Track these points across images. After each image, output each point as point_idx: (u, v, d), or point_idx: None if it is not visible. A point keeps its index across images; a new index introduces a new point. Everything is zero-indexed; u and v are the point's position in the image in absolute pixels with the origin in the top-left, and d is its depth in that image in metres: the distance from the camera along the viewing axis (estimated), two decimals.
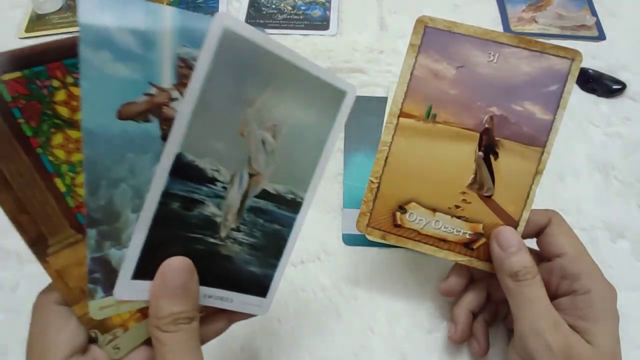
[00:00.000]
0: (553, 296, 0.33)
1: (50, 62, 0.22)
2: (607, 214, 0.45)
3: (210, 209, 0.27)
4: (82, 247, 0.25)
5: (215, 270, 0.29)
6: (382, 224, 0.36)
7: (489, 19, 0.60)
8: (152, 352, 0.27)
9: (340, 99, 0.30)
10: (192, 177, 0.26)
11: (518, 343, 0.32)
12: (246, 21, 0.60)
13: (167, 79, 0.24)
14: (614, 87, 0.53)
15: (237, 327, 0.39)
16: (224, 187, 0.27)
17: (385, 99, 0.52)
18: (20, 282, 0.43)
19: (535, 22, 0.60)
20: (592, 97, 0.53)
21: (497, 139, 0.35)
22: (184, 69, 0.24)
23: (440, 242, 0.36)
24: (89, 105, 0.23)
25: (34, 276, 0.42)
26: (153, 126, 0.25)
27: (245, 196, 0.29)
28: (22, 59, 0.22)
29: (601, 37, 0.58)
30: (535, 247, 0.37)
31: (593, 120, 0.51)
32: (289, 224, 0.31)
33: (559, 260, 0.33)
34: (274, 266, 0.31)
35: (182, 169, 0.25)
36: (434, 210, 0.35)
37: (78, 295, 0.26)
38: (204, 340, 0.30)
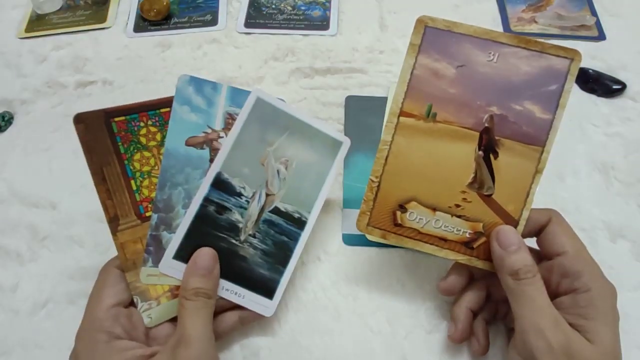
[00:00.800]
0: (553, 295, 0.33)
1: (140, 112, 0.37)
2: (607, 214, 0.45)
3: (235, 216, 0.38)
4: (140, 230, 0.36)
5: (233, 267, 0.37)
6: (382, 223, 0.36)
7: (489, 19, 0.60)
8: (174, 329, 0.35)
9: (338, 146, 0.40)
10: (226, 190, 0.37)
11: (519, 342, 0.32)
12: (246, 21, 0.60)
13: (218, 125, 0.38)
14: (614, 87, 0.53)
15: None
16: (247, 201, 0.38)
17: (385, 99, 0.52)
18: (20, 282, 0.43)
19: (535, 22, 0.60)
20: (592, 97, 0.53)
21: (497, 138, 0.35)
22: (229, 119, 0.38)
23: (441, 241, 0.36)
24: (170, 135, 0.37)
25: (34, 276, 0.43)
26: (205, 152, 0.38)
27: (262, 210, 0.38)
28: (127, 110, 0.37)
29: (601, 37, 0.58)
30: (535, 246, 0.37)
31: (593, 120, 0.51)
32: (295, 238, 0.39)
33: (559, 259, 0.33)
34: (280, 272, 0.38)
35: (220, 183, 0.37)
36: (434, 209, 0.35)
37: (131, 266, 0.36)
38: (218, 334, 0.36)
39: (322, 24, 0.60)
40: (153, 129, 0.37)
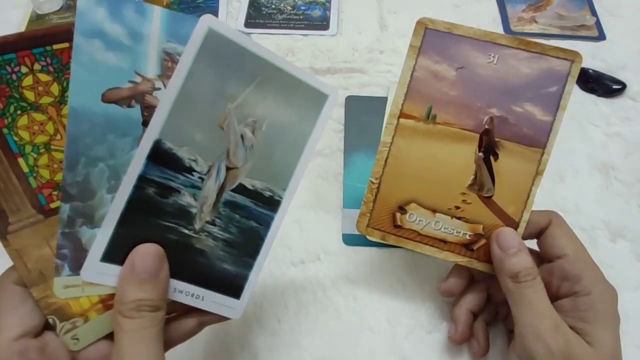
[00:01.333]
0: (554, 297, 0.33)
1: (20, 51, 0.24)
2: (607, 214, 0.45)
3: (185, 198, 0.28)
4: (43, 228, 0.26)
5: (188, 263, 0.29)
6: (382, 225, 0.36)
7: (489, 19, 0.60)
8: (112, 348, 0.26)
9: (322, 101, 0.31)
10: (169, 164, 0.27)
11: (518, 344, 0.32)
12: (246, 21, 0.60)
13: (152, 70, 0.26)
14: (614, 87, 0.53)
15: (236, 327, 0.40)
16: (201, 178, 0.28)
17: (385, 99, 0.52)
18: None
19: (535, 22, 0.60)
20: (592, 97, 0.53)
21: (497, 140, 0.35)
22: (168, 62, 0.26)
23: (440, 242, 0.36)
24: (76, 87, 0.25)
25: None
26: (135, 112, 0.26)
27: (221, 189, 0.29)
28: None
29: (601, 37, 0.58)
30: (535, 248, 0.37)
31: (593, 120, 0.51)
32: (266, 223, 0.31)
33: (559, 261, 0.33)
34: (249, 266, 0.31)
35: (160, 155, 0.27)
36: (434, 211, 0.35)
37: (37, 278, 0.26)
38: (172, 341, 0.29)
39: (322, 24, 0.60)
40: (44, 77, 0.25)
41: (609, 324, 0.31)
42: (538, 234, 0.35)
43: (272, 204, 0.31)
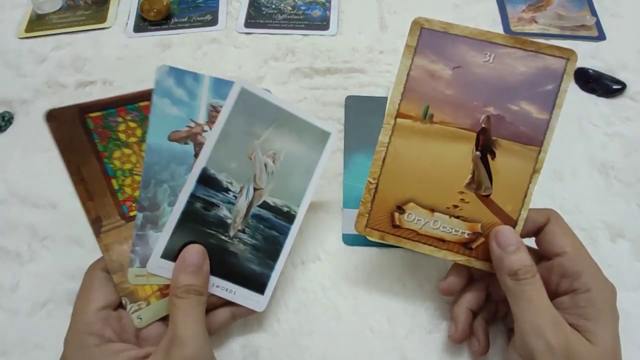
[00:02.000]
0: (553, 295, 0.33)
1: (118, 107, 0.36)
2: (607, 214, 0.45)
3: (223, 211, 0.37)
4: (125, 230, 0.35)
5: (224, 263, 0.37)
6: (380, 225, 0.36)
7: (489, 19, 0.60)
8: (165, 329, 0.35)
9: (326, 138, 0.40)
10: (213, 185, 0.36)
11: (518, 342, 0.32)
12: (246, 21, 0.60)
13: (202, 118, 0.37)
14: (614, 87, 0.53)
15: (237, 327, 0.40)
16: (235, 196, 0.37)
17: (385, 99, 0.52)
18: (20, 282, 0.43)
19: (535, 22, 0.60)
20: (592, 97, 0.53)
21: (494, 138, 0.35)
22: (213, 112, 0.37)
23: (439, 242, 0.36)
24: (152, 130, 0.36)
25: (34, 276, 0.43)
26: (189, 147, 0.36)
27: (250, 204, 0.38)
28: (103, 104, 0.35)
29: (601, 37, 0.58)
30: (534, 245, 0.37)
31: (593, 120, 0.51)
32: (284, 232, 0.39)
33: (558, 259, 0.33)
34: (271, 267, 0.38)
35: (206, 179, 0.36)
36: (432, 210, 0.35)
37: (117, 267, 0.35)
38: (211, 328, 0.36)
39: (322, 24, 0.60)
40: (132, 125, 0.36)
41: (609, 320, 0.31)
42: (536, 232, 0.35)
43: (289, 217, 0.39)
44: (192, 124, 0.36)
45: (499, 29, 0.59)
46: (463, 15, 0.60)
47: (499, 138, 0.35)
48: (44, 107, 0.54)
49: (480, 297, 0.37)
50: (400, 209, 0.36)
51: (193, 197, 0.36)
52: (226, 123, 0.36)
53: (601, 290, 0.32)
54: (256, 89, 0.37)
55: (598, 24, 0.59)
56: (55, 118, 0.34)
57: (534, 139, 0.35)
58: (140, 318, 0.35)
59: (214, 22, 0.61)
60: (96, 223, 0.35)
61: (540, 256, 0.35)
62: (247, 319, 0.40)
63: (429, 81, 0.35)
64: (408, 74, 0.35)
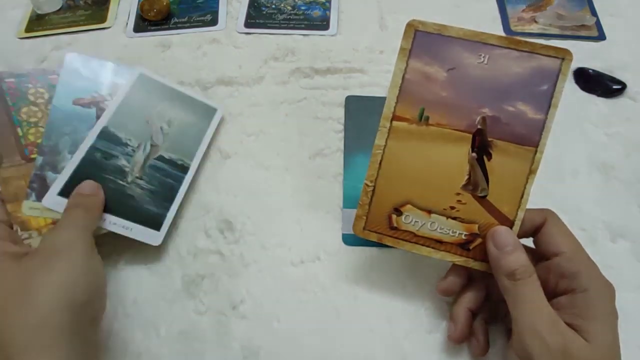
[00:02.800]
0: (552, 295, 0.33)
1: (30, 77, 0.44)
2: (607, 214, 0.45)
3: (121, 161, 0.43)
4: (24, 169, 0.41)
5: (122, 204, 0.42)
6: (378, 227, 0.36)
7: (489, 19, 0.60)
8: None
9: (213, 112, 0.50)
10: (112, 140, 0.44)
11: (516, 342, 0.32)
12: (246, 21, 0.60)
13: (105, 91, 0.46)
14: (614, 87, 0.53)
15: (236, 327, 0.40)
16: (133, 150, 0.44)
17: (385, 99, 0.52)
18: None
19: (535, 22, 0.60)
20: (592, 97, 0.53)
21: (490, 139, 0.35)
22: (116, 89, 0.46)
23: (437, 243, 0.36)
24: (57, 95, 0.44)
25: None
26: (92, 111, 0.44)
27: (147, 157, 0.45)
28: (18, 74, 0.44)
29: (601, 37, 0.58)
30: (531, 245, 0.37)
31: (593, 120, 0.51)
32: (179, 180, 0.46)
33: (556, 259, 0.33)
34: (167, 208, 0.44)
35: (106, 134, 0.44)
36: (430, 211, 0.36)
37: (12, 198, 0.40)
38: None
39: (322, 24, 0.60)
40: (41, 90, 0.44)
41: (607, 320, 0.31)
42: (534, 232, 0.36)
43: (183, 168, 0.46)
44: (96, 94, 0.45)
45: (499, 29, 0.59)
46: (463, 15, 0.60)
47: (495, 139, 0.35)
48: None
49: (480, 297, 0.37)
50: (398, 210, 0.36)
51: (93, 148, 0.42)
52: (126, 96, 0.45)
53: (599, 290, 0.32)
54: (153, 74, 0.48)
55: (598, 24, 0.59)
56: None
57: (529, 139, 0.35)
58: (30, 246, 0.39)
59: (214, 22, 0.61)
60: None
61: (538, 257, 0.35)
62: (247, 318, 0.40)
63: (424, 83, 0.35)
64: (403, 77, 0.35)
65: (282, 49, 0.57)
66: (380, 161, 0.35)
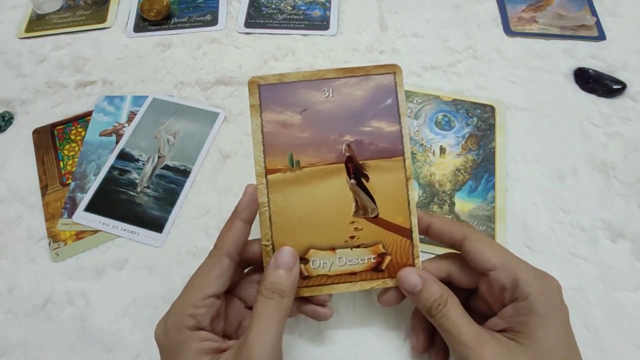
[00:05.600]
0: (501, 306, 0.33)
1: (74, 122, 0.54)
2: (607, 214, 0.45)
3: (133, 175, 0.49)
4: (60, 193, 0.48)
5: (131, 212, 0.47)
6: None
7: (489, 19, 0.60)
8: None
9: (216, 117, 0.53)
10: (127, 158, 0.50)
11: None
12: (246, 21, 0.60)
13: (123, 120, 0.53)
14: (614, 87, 0.53)
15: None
16: (143, 163, 0.50)
17: None
18: (17, 283, 0.43)
19: (535, 22, 0.60)
20: (592, 97, 0.53)
21: (361, 162, 0.36)
22: (132, 115, 0.54)
23: (351, 276, 0.36)
24: (88, 132, 0.53)
25: (32, 276, 0.42)
26: (113, 138, 0.52)
27: (154, 168, 0.50)
28: (65, 122, 0.54)
29: (601, 37, 0.58)
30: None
31: (593, 120, 0.51)
32: (181, 184, 0.49)
33: (492, 273, 0.33)
34: (169, 211, 0.47)
35: (123, 155, 0.51)
36: (333, 248, 0.36)
37: (50, 217, 0.47)
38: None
39: (322, 24, 0.60)
40: (80, 129, 0.53)
41: (552, 321, 0.31)
42: (453, 246, 0.36)
43: (185, 173, 0.50)
44: (116, 124, 0.53)
45: (499, 29, 0.59)
46: (463, 15, 0.60)
47: (365, 160, 0.36)
48: (44, 107, 0.54)
49: None
50: (303, 259, 0.36)
51: (112, 168, 0.49)
52: (140, 120, 0.53)
53: (539, 293, 0.32)
54: (164, 97, 0.55)
55: (598, 23, 0.59)
56: (37, 132, 0.53)
57: (394, 150, 0.36)
58: (57, 254, 0.44)
59: (214, 22, 0.61)
60: (44, 188, 0.49)
61: (477, 273, 0.35)
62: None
63: (284, 131, 0.36)
64: (262, 131, 0.36)
65: (282, 49, 0.57)
66: (270, 218, 0.35)
